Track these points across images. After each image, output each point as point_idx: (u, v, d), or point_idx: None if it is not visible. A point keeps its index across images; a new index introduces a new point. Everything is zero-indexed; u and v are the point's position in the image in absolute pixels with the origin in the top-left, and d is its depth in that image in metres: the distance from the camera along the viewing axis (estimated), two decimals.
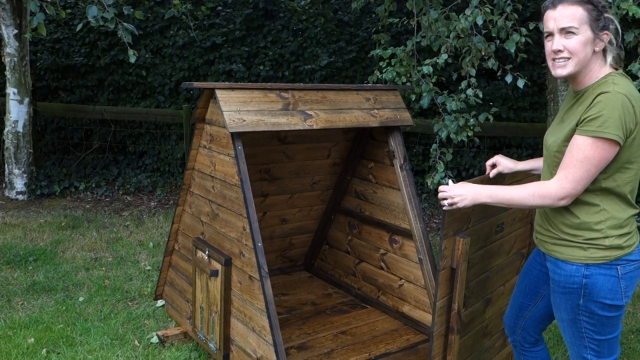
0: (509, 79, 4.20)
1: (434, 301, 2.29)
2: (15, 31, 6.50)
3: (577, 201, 2.08)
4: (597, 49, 2.06)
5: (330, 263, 4.23)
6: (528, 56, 6.36)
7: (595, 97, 2.00)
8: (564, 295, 2.16)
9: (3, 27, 6.47)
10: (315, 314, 3.68)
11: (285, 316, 3.61)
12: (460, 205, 2.15)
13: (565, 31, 2.04)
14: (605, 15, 2.06)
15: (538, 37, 5.67)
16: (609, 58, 2.09)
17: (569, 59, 2.05)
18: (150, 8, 7.94)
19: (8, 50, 6.55)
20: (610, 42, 2.08)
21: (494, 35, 4.13)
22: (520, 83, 4.17)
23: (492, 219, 2.55)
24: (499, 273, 2.73)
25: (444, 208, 2.20)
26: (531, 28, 4.14)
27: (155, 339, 3.57)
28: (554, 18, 2.06)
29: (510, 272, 2.83)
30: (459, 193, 2.15)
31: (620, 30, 2.12)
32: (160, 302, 4.06)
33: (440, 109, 4.49)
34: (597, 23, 2.04)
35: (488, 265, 2.60)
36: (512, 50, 4.05)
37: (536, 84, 7.07)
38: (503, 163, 2.48)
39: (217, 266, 3.05)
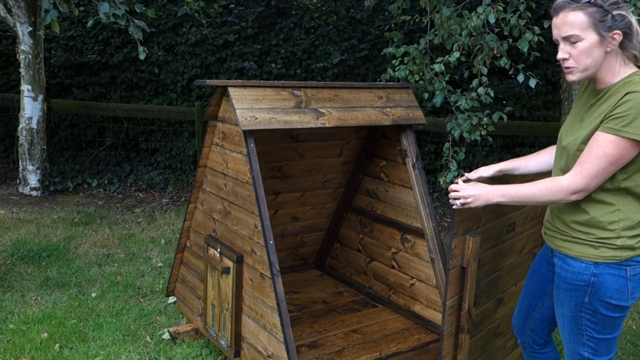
0: (520, 78, 4.17)
1: (443, 300, 2.28)
2: (30, 28, 6.55)
3: (591, 199, 2.07)
4: (608, 49, 2.01)
5: (341, 261, 4.23)
6: (542, 54, 6.32)
7: (623, 95, 1.96)
8: (569, 291, 2.14)
9: (18, 25, 6.53)
10: (326, 312, 3.68)
11: (296, 314, 3.62)
12: (472, 205, 2.14)
13: (568, 39, 2.02)
14: (615, 12, 1.97)
15: (552, 36, 5.63)
16: (629, 55, 2.04)
17: (574, 66, 2.03)
18: (163, 6, 7.97)
19: (22, 47, 6.60)
20: (626, 40, 2.02)
21: (506, 33, 4.10)
22: (532, 83, 4.14)
23: (503, 218, 2.54)
24: (511, 273, 2.72)
25: (454, 207, 2.19)
26: (546, 26, 4.11)
27: (166, 335, 3.59)
28: (557, 26, 2.04)
29: (522, 272, 2.82)
30: (472, 193, 2.14)
31: (638, 26, 2.05)
32: (171, 299, 4.09)
33: (453, 108, 4.48)
34: (603, 24, 1.97)
35: (499, 264, 2.59)
36: (525, 50, 4.02)
37: (550, 83, 7.02)
38: (473, 177, 2.33)
39: (229, 263, 3.06)
